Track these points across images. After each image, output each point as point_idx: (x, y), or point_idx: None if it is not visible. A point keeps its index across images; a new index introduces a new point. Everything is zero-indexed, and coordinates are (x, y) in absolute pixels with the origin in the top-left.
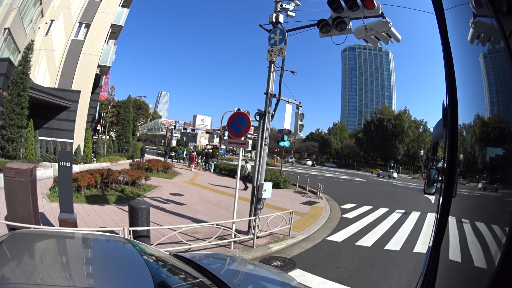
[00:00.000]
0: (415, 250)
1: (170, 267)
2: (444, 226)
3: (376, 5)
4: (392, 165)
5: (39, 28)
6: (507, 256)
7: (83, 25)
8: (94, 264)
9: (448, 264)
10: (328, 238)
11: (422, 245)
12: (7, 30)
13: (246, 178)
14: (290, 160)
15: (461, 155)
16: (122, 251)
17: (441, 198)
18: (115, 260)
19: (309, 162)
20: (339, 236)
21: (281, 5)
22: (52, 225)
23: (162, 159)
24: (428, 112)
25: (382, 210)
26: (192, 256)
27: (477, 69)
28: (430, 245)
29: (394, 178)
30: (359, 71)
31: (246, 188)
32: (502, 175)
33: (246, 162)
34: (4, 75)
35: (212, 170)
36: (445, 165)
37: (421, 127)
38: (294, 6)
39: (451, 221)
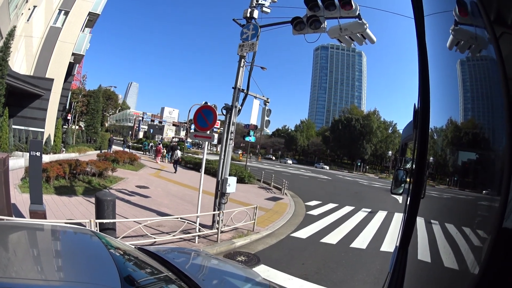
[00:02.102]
0: (381, 249)
1: (136, 261)
2: (412, 227)
3: (353, 6)
4: (359, 164)
5: (22, 14)
6: (490, 261)
7: (62, 12)
8: (63, 257)
9: (417, 264)
10: (293, 235)
11: (389, 244)
12: None
13: (176, 162)
14: (272, 158)
15: (431, 158)
16: (89, 244)
17: (408, 198)
18: (82, 253)
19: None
20: (304, 233)
21: (257, 1)
22: (23, 216)
23: (121, 148)
24: (398, 114)
25: (347, 208)
26: (157, 250)
27: (453, 75)
28: (398, 244)
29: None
30: (330, 70)
31: (175, 171)
32: (474, 180)
33: (177, 149)
34: None
35: (167, 160)
36: (414, 166)
37: (390, 128)
38: (270, 3)
39: (420, 221)
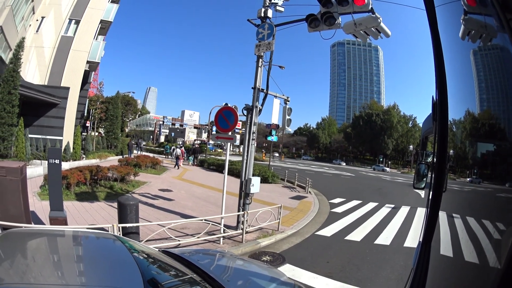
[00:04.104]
0: (405, 245)
1: (160, 263)
2: (435, 221)
3: (366, 1)
4: (381, 159)
5: (30, 25)
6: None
7: (73, 21)
8: (84, 262)
9: (440, 259)
10: (318, 233)
11: (413, 240)
12: None
13: (177, 159)
14: (306, 158)
15: (451, 150)
16: (111, 248)
17: (431, 192)
18: (104, 258)
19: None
20: (329, 231)
21: (270, 0)
22: (43, 224)
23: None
24: (417, 107)
25: (371, 205)
26: (182, 252)
27: (467, 65)
28: (421, 240)
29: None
30: (348, 66)
31: (177, 166)
32: (493, 171)
33: (176, 147)
34: None
35: (190, 163)
36: (435, 160)
37: (410, 122)
38: (283, 1)
39: (442, 216)
